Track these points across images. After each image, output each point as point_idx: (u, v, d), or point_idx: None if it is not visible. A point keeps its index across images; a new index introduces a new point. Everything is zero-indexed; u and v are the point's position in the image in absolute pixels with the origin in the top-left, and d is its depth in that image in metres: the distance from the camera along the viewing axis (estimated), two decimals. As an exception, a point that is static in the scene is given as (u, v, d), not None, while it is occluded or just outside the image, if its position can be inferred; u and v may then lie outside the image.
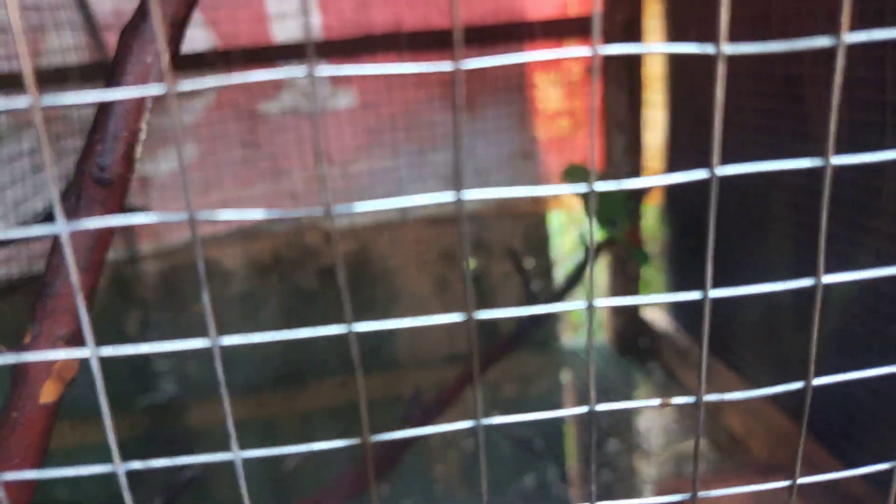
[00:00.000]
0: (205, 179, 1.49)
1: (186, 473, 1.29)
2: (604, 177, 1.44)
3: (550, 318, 1.75)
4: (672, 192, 1.51)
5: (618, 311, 1.67)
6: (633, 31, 1.47)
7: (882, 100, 0.86)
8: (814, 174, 1.01)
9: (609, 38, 1.50)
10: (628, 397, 1.50)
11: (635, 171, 1.56)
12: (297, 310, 1.65)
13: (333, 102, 1.48)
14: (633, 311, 1.67)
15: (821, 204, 0.29)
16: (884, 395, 0.93)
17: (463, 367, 1.12)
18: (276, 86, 1.47)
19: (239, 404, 1.59)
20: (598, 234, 1.33)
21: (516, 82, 1.55)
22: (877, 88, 0.87)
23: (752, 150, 1.18)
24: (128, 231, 1.53)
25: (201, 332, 1.60)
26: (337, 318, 1.74)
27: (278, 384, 1.65)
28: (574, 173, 1.26)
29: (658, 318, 1.67)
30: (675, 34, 1.39)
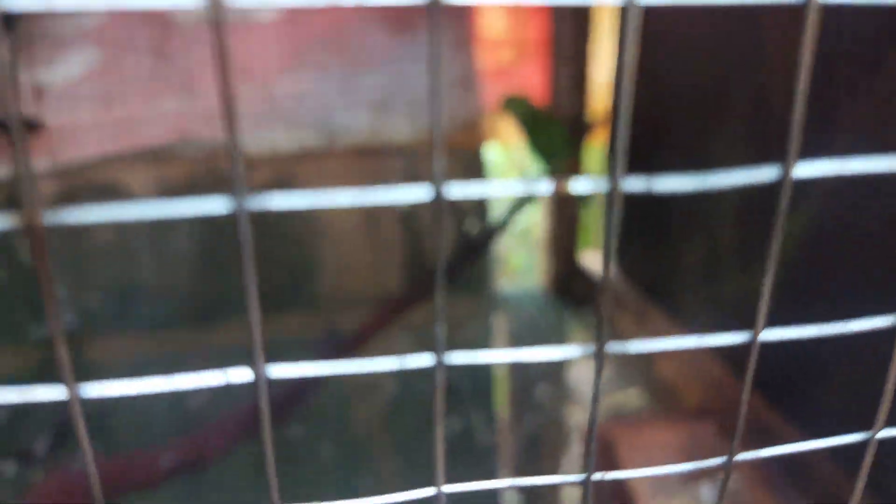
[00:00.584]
0: (107, 91, 1.35)
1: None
2: (547, 111, 1.39)
3: (483, 260, 1.71)
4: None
5: (554, 256, 1.65)
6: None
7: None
8: (765, 103, 0.99)
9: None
10: (562, 342, 1.49)
11: (581, 107, 1.51)
12: (212, 241, 1.55)
13: (255, 14, 1.36)
14: (569, 255, 1.65)
15: (773, 231, 0.25)
16: (825, 344, 0.93)
17: (381, 305, 1.07)
18: (191, -11, 1.34)
19: (146, 341, 1.50)
20: (537, 168, 1.29)
21: (459, 5, 1.46)
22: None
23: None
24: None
25: (101, 260, 1.49)
26: (255, 253, 1.65)
27: (191, 320, 1.56)
28: (514, 105, 1.21)
29: (595, 263, 1.65)
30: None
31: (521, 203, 1.31)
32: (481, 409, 1.31)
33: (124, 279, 1.52)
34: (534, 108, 1.21)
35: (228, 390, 0.83)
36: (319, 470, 1.14)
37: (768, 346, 0.97)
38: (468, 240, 1.18)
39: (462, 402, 1.35)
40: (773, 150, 1.00)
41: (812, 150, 0.92)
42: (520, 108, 1.19)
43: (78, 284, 1.50)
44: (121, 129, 1.39)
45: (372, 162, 1.57)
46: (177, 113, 1.42)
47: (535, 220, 2.03)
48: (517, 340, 1.53)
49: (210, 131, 1.45)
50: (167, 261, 1.54)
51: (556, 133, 1.21)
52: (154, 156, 1.46)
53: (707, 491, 0.84)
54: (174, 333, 1.53)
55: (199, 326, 1.55)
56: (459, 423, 1.27)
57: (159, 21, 1.34)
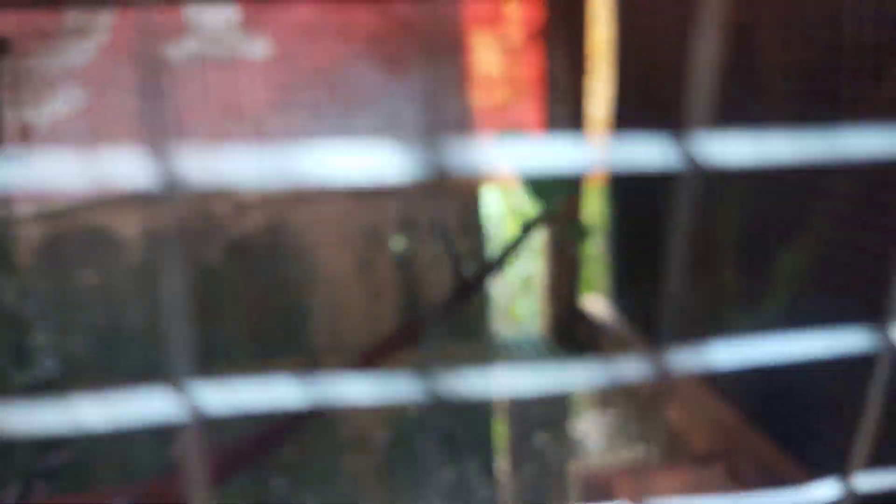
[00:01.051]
0: (94, 130, 1.34)
1: (57, 457, 1.16)
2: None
3: (482, 305, 1.67)
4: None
5: (555, 301, 1.61)
6: (579, -5, 1.41)
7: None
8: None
9: (551, 3, 1.43)
10: (563, 390, 1.43)
11: (578, 139, 1.49)
12: (202, 287, 1.52)
13: (245, 51, 1.36)
14: (569, 299, 1.61)
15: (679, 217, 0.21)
16: (836, 382, 0.88)
17: (366, 349, 1.03)
18: (180, 29, 1.33)
19: (134, 389, 1.46)
20: (534, 208, 1.26)
21: (451, 43, 1.46)
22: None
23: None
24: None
25: (88, 305, 1.46)
26: (247, 298, 1.63)
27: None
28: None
29: (596, 307, 1.61)
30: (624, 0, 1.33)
31: (517, 243, 1.28)
32: (478, 458, 1.25)
33: (109, 326, 1.48)
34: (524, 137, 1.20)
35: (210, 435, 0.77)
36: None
37: (779, 388, 0.90)
38: (464, 283, 1.15)
39: (459, 450, 1.29)
40: (768, 183, 0.97)
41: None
42: (511, 139, 1.17)
43: (62, 330, 1.47)
44: (105, 171, 1.38)
45: (367, 204, 1.55)
46: (163, 153, 1.40)
47: (536, 268, 2.00)
48: (518, 383, 1.47)
49: (198, 172, 1.43)
50: (153, 308, 1.50)
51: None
52: (139, 200, 1.44)
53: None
54: (159, 381, 1.48)
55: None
56: (455, 472, 1.21)
57: (147, 59, 1.34)
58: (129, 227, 1.44)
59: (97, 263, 1.45)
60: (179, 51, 1.35)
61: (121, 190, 1.41)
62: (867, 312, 0.82)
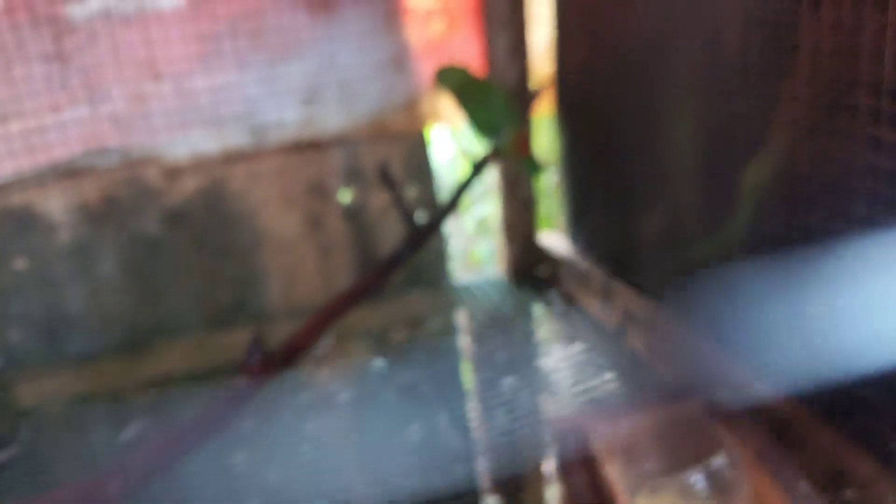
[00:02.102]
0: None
1: (3, 454, 1.11)
2: (484, 80, 1.30)
3: (440, 252, 1.63)
4: (564, 96, 1.40)
5: (512, 242, 1.57)
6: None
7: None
8: (716, 43, 0.92)
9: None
10: (527, 329, 1.41)
11: (522, 75, 1.43)
12: (141, 262, 1.44)
13: (154, 3, 1.26)
14: (528, 237, 1.57)
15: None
16: (797, 301, 0.87)
17: (318, 311, 0.98)
18: (80, -16, 1.23)
19: (77, 376, 1.39)
20: (481, 146, 1.21)
21: (381, -23, 1.38)
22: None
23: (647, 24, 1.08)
24: None
25: (21, 292, 1.37)
26: (190, 270, 1.56)
27: (124, 349, 1.45)
28: (448, 75, 1.13)
29: (555, 244, 1.58)
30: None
31: (467, 184, 1.23)
32: (447, 409, 1.23)
33: (48, 311, 1.40)
34: (469, 75, 1.13)
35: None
36: (269, 491, 1.05)
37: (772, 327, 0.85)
38: (417, 230, 1.10)
39: (428, 404, 1.27)
40: (725, 96, 0.93)
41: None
42: (454, 77, 1.11)
43: (-6, 321, 1.39)
44: (21, 145, 1.28)
45: (308, 157, 1.47)
46: (80, 120, 1.30)
47: (491, 208, 1.96)
48: (481, 331, 1.45)
49: (121, 138, 1.34)
50: (92, 288, 1.42)
51: (496, 103, 1.13)
52: (60, 174, 1.34)
53: (696, 477, 0.77)
54: (106, 365, 1.41)
55: (131, 355, 1.44)
56: (425, 427, 1.19)
57: (48, 20, 1.22)
58: (53, 203, 1.35)
59: (25, 247, 1.36)
60: (83, 8, 1.24)
61: (38, 163, 1.31)
62: (832, 225, 0.80)
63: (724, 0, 0.91)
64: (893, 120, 0.70)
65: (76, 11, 1.24)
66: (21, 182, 1.31)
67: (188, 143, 1.38)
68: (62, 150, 1.31)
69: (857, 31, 0.72)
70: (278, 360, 0.91)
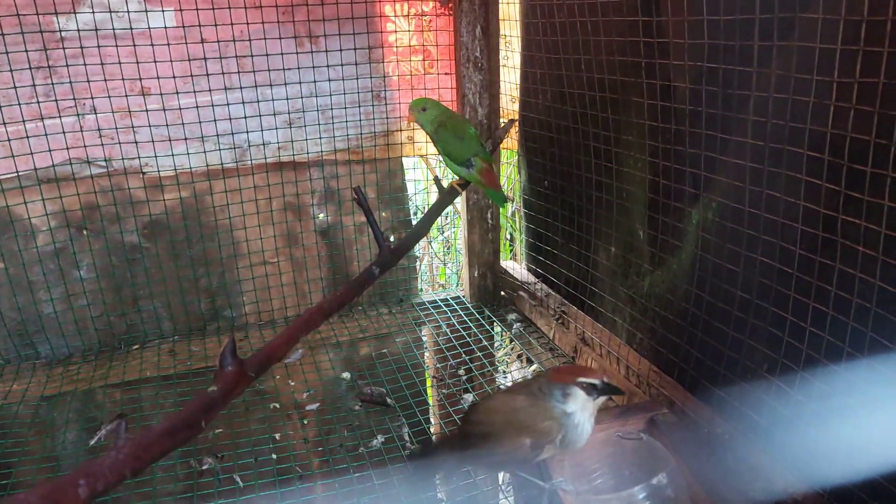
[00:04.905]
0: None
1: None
2: (458, 115, 1.31)
3: (409, 274, 1.63)
4: (528, 133, 1.41)
5: (475, 263, 1.57)
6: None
7: None
8: (668, 93, 0.94)
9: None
10: (489, 348, 1.41)
11: (492, 111, 1.45)
12: (119, 269, 1.41)
13: (143, 21, 1.24)
14: (490, 262, 1.58)
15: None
16: (740, 331, 0.88)
17: (291, 323, 0.97)
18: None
19: (49, 377, 1.34)
20: (453, 176, 1.21)
21: (364, 13, 1.38)
22: None
23: (609, 73, 1.10)
24: None
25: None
26: (167, 278, 1.52)
27: (97, 353, 1.41)
28: (421, 104, 1.13)
29: (515, 269, 1.59)
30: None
31: (437, 211, 1.23)
32: (410, 421, 1.21)
33: (21, 313, 1.35)
34: (443, 108, 1.14)
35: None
36: (237, 493, 1.02)
37: (684, 340, 0.88)
38: (388, 250, 1.09)
39: (395, 415, 1.25)
40: (676, 138, 0.95)
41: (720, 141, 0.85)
42: (430, 105, 1.11)
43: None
44: (4, 151, 1.24)
45: (287, 177, 1.46)
46: (65, 130, 1.27)
47: (458, 234, 1.96)
48: (445, 344, 1.44)
49: (105, 149, 1.31)
50: (68, 292, 1.38)
51: (467, 136, 1.14)
52: (44, 181, 1.30)
53: (641, 493, 0.77)
54: (78, 368, 1.37)
55: (103, 359, 1.40)
56: (388, 436, 1.17)
57: (38, 31, 1.20)
58: (35, 209, 1.31)
59: (2, 249, 1.32)
60: (72, 22, 1.21)
61: (20, 170, 1.27)
62: (771, 261, 0.82)
63: (676, 53, 0.93)
64: (833, 169, 0.72)
65: (65, 24, 1.21)
66: (0, 185, 1.27)
67: (171, 157, 1.36)
68: (45, 156, 1.27)
69: (802, 88, 0.75)
70: (251, 369, 0.89)
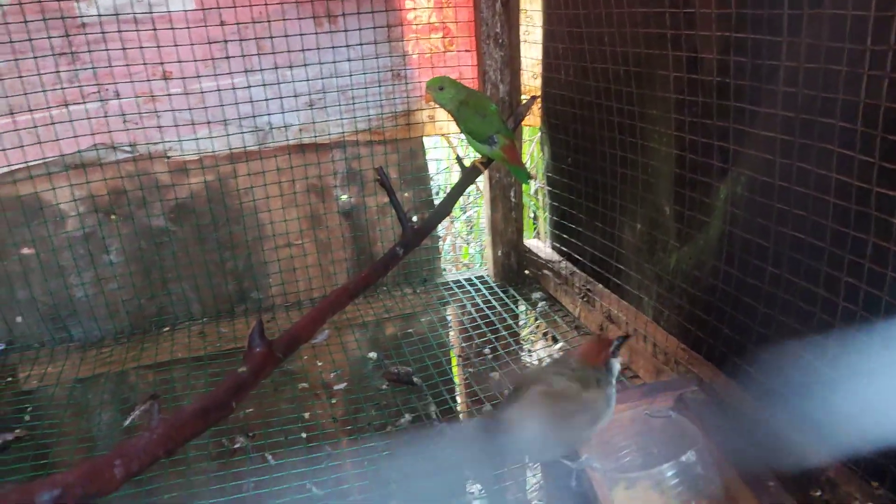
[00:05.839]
0: (7, 98, 1.22)
1: (2, 436, 1.09)
2: (476, 91, 1.30)
3: (431, 253, 1.63)
4: (551, 109, 1.40)
5: (499, 242, 1.57)
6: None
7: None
8: (695, 65, 0.92)
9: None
10: (514, 327, 1.41)
11: (514, 88, 1.43)
12: (147, 253, 1.43)
13: (163, 5, 1.24)
14: (514, 241, 1.57)
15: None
16: (770, 305, 0.87)
17: (317, 304, 0.97)
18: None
19: (82, 360, 1.37)
20: (475, 154, 1.21)
21: (384, -9, 1.37)
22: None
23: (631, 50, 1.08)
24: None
25: (28, 279, 1.35)
26: (194, 261, 1.54)
27: (128, 336, 1.43)
28: (439, 83, 1.12)
29: (539, 248, 1.58)
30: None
31: (461, 190, 1.22)
32: (439, 400, 1.22)
33: (54, 298, 1.38)
34: (462, 86, 1.13)
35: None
36: (269, 471, 1.04)
37: (712, 316, 0.87)
38: (412, 230, 1.09)
39: (421, 394, 1.26)
40: (704, 111, 0.93)
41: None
42: (448, 83, 1.11)
43: (0, 305, 1.36)
44: (29, 137, 1.26)
45: (309, 159, 1.46)
46: (88, 116, 1.29)
47: (482, 213, 1.95)
48: (470, 324, 1.45)
49: (129, 134, 1.33)
50: (98, 277, 1.40)
51: (489, 114, 1.13)
52: (70, 166, 1.32)
53: (670, 470, 0.77)
54: (110, 350, 1.40)
55: (135, 341, 1.43)
56: (416, 414, 1.18)
57: (60, 17, 1.20)
58: (63, 195, 1.33)
59: (33, 234, 1.34)
60: (93, 7, 1.22)
61: (47, 156, 1.29)
62: (802, 235, 0.80)
63: (703, 23, 0.91)
64: (866, 140, 0.70)
65: (86, 9, 1.22)
66: (29, 172, 1.29)
67: (195, 141, 1.37)
68: (70, 143, 1.29)
69: (833, 57, 0.73)
70: (279, 350, 0.90)
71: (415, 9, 1.44)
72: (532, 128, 1.72)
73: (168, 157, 1.38)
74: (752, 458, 0.78)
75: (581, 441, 0.78)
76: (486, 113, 1.12)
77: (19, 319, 1.39)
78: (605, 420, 0.78)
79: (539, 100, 1.43)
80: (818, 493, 0.79)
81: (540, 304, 1.48)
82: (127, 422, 1.11)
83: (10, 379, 1.31)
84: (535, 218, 2.14)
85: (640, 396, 0.91)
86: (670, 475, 0.77)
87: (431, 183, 1.65)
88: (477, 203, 2.34)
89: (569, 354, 0.83)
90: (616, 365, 0.80)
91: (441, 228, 2.07)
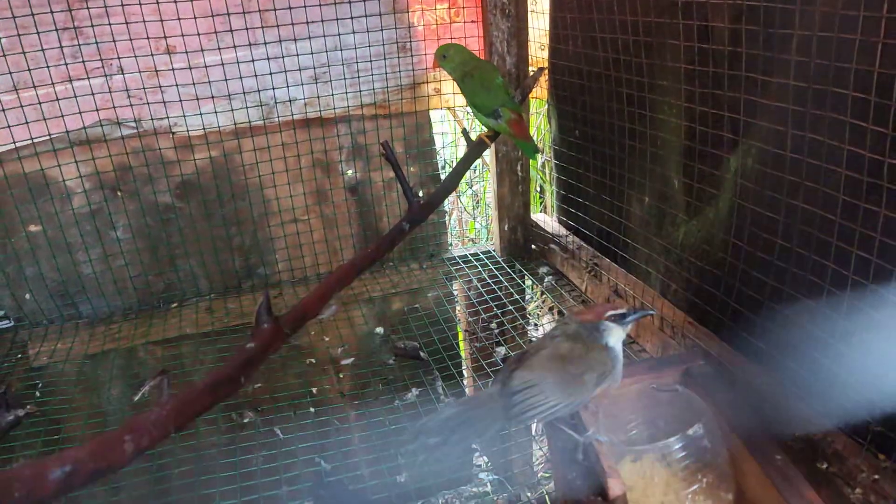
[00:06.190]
0: (10, 74, 1.21)
1: (11, 414, 1.10)
2: (486, 63, 1.28)
3: (437, 227, 1.62)
4: (559, 81, 1.38)
5: (505, 217, 1.56)
6: None
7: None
8: (705, 34, 0.90)
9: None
10: (520, 302, 1.41)
11: (521, 60, 1.41)
12: (154, 229, 1.43)
13: (170, -21, 1.23)
14: (520, 215, 1.57)
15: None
16: (774, 284, 0.86)
17: (323, 279, 0.97)
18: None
19: (91, 336, 1.38)
20: (482, 128, 1.19)
21: (388, -39, 1.34)
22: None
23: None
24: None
25: (36, 255, 1.36)
26: (201, 237, 1.54)
27: (136, 312, 1.44)
28: (448, 50, 1.10)
29: (546, 222, 1.57)
30: None
31: (467, 164, 1.22)
32: (446, 375, 1.23)
33: (62, 274, 1.39)
34: (471, 54, 1.11)
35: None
36: (278, 445, 1.05)
37: (721, 290, 0.86)
38: (417, 205, 1.09)
39: (428, 368, 1.27)
40: (714, 81, 0.92)
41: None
42: (454, 52, 1.09)
43: (10, 283, 1.37)
44: (33, 113, 1.25)
45: (315, 133, 1.45)
46: (94, 92, 1.28)
47: (488, 187, 1.94)
48: (476, 298, 1.45)
49: (134, 110, 1.32)
50: (106, 253, 1.41)
51: (496, 86, 1.11)
52: (75, 143, 1.32)
53: (677, 444, 0.77)
54: (119, 326, 1.41)
55: (143, 317, 1.43)
56: (422, 388, 1.19)
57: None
58: (69, 171, 1.33)
59: (39, 211, 1.34)
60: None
61: (52, 133, 1.29)
62: (813, 208, 0.80)
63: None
64: (880, 110, 0.69)
65: (93, -15, 1.20)
66: (34, 149, 1.28)
67: (200, 116, 1.36)
68: (75, 119, 1.28)
69: (848, 25, 0.71)
70: (286, 325, 0.91)
71: (420, -20, 1.42)
72: (539, 100, 1.70)
73: (173, 133, 1.37)
74: (759, 432, 0.78)
75: (588, 397, 0.78)
76: (490, 86, 1.11)
77: (28, 296, 1.40)
78: (609, 380, 0.78)
79: (546, 71, 1.41)
80: (825, 466, 0.79)
81: (546, 279, 1.48)
82: (136, 397, 1.12)
83: (20, 356, 1.32)
84: (542, 192, 2.12)
85: (647, 370, 0.91)
86: (677, 448, 0.77)
87: (437, 157, 1.63)
88: (483, 177, 2.33)
89: (565, 321, 0.83)
90: (614, 329, 0.80)
91: (447, 203, 2.06)
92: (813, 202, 0.80)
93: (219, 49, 1.31)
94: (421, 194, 1.53)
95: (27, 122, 1.25)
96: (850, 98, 0.72)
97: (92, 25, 1.23)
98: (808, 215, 0.81)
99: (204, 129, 1.38)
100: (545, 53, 1.41)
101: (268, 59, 1.35)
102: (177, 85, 1.32)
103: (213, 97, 1.35)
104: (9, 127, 1.25)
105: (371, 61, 1.42)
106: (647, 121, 1.10)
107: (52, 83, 1.25)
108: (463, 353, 1.51)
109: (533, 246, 1.61)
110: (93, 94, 1.28)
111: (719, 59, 0.91)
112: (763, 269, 0.89)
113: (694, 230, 1.04)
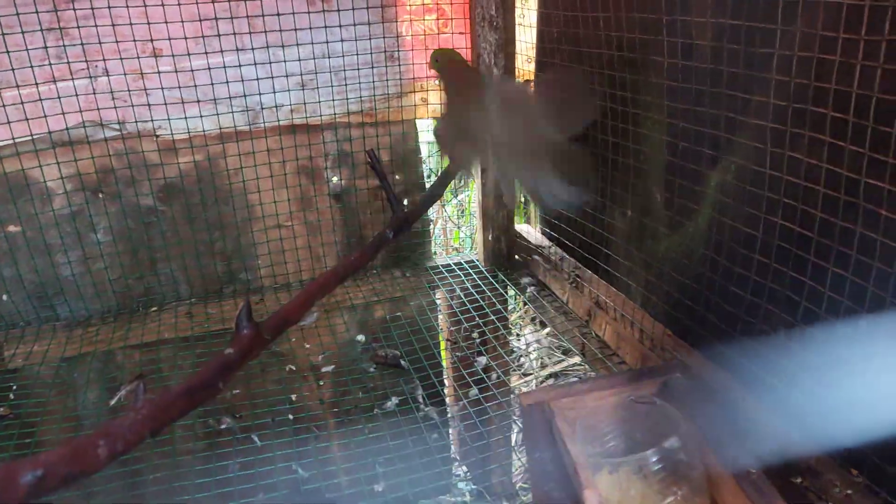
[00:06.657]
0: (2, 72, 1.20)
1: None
2: (476, 70, 1.29)
3: (421, 236, 1.62)
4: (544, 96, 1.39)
5: (489, 226, 1.57)
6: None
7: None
8: (689, 51, 0.92)
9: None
10: (502, 312, 1.41)
11: (508, 72, 1.42)
12: (135, 232, 1.41)
13: (157, -18, 1.22)
14: (505, 225, 1.57)
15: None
16: (753, 300, 0.87)
17: (305, 286, 0.97)
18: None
19: (68, 339, 1.36)
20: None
21: (377, -30, 1.35)
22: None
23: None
24: None
25: (14, 256, 1.34)
26: (183, 241, 1.53)
27: (115, 315, 1.43)
28: (440, 55, 1.11)
29: (530, 233, 1.58)
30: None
31: (451, 174, 1.22)
32: (426, 384, 1.22)
33: (40, 276, 1.37)
34: (464, 60, 1.12)
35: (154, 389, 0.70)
36: (255, 452, 1.04)
37: (700, 304, 0.87)
38: (402, 214, 1.09)
39: (409, 377, 1.26)
40: (697, 98, 0.93)
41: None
42: (445, 57, 1.10)
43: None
44: (15, 113, 1.24)
45: (300, 140, 1.45)
46: (78, 93, 1.27)
47: (473, 197, 1.94)
48: (459, 308, 1.45)
49: (118, 112, 1.31)
50: (85, 255, 1.39)
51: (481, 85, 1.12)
52: (57, 144, 1.30)
53: (653, 456, 0.77)
54: (97, 329, 1.39)
55: (121, 321, 1.42)
56: (402, 397, 1.19)
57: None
58: (50, 172, 1.31)
59: (19, 212, 1.32)
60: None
61: (34, 133, 1.27)
62: (791, 224, 0.81)
63: (698, 9, 0.90)
64: (857, 130, 0.70)
65: (80, -14, 1.20)
66: (16, 149, 1.27)
67: (184, 119, 1.35)
68: (58, 119, 1.27)
69: (827, 46, 0.72)
70: (267, 331, 0.90)
71: (408, -10, 1.43)
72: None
73: (157, 136, 1.37)
74: (735, 446, 0.78)
75: None
76: (475, 82, 1.11)
77: (5, 297, 1.38)
78: None
79: (532, 84, 1.42)
80: (799, 481, 0.80)
81: (529, 289, 1.48)
82: (113, 401, 1.11)
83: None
84: (527, 203, 2.13)
85: (625, 382, 0.91)
86: (653, 461, 0.78)
87: (423, 166, 1.64)
88: (468, 187, 2.34)
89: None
90: None
91: (432, 212, 2.06)
92: (791, 219, 0.81)
93: (206, 53, 1.31)
94: (406, 203, 1.54)
95: (9, 122, 1.24)
96: (829, 118, 0.73)
97: (78, 27, 1.22)
98: (785, 232, 0.82)
99: (188, 132, 1.37)
100: (532, 66, 1.42)
101: (255, 64, 1.35)
102: (162, 88, 1.31)
103: (198, 101, 1.34)
104: (-10, 126, 1.24)
105: (359, 69, 1.42)
106: (630, 135, 1.11)
107: (36, 83, 1.24)
108: (444, 363, 1.51)
109: (516, 256, 1.61)
110: (77, 95, 1.27)
111: (701, 76, 0.92)
112: (741, 284, 0.90)
113: (674, 244, 1.05)
